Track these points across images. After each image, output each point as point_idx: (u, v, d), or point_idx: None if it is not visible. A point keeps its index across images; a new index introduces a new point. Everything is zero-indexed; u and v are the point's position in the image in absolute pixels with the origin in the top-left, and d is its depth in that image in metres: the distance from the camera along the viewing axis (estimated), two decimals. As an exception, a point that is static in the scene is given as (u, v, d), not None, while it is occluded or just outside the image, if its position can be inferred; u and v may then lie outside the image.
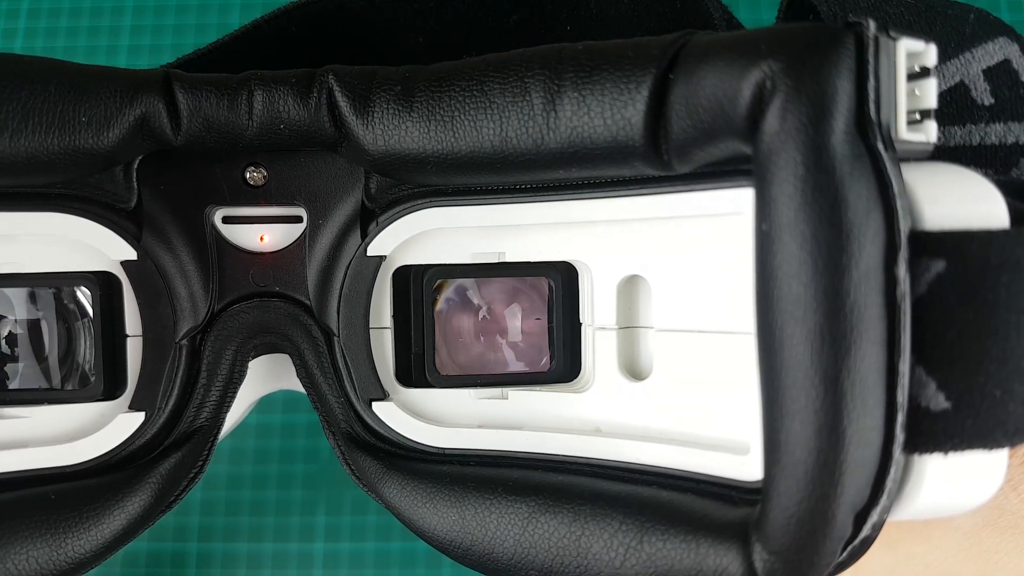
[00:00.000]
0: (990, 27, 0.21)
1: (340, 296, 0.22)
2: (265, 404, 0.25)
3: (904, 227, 0.16)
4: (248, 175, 0.22)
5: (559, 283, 0.22)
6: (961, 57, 0.20)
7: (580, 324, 0.22)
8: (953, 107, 0.20)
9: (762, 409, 0.16)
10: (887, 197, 0.16)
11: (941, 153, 0.18)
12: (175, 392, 0.22)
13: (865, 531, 0.16)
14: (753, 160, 0.16)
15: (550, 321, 0.23)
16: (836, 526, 0.16)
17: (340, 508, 0.42)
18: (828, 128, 0.15)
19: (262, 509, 0.42)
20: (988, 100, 0.20)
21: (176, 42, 0.47)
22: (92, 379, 0.22)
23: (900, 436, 0.16)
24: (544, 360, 0.23)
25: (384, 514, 0.22)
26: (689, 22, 0.23)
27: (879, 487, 0.16)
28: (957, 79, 0.20)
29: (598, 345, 0.22)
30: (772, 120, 0.15)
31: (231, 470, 0.42)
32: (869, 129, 0.16)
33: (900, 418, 0.16)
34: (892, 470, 0.16)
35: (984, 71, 0.21)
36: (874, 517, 0.16)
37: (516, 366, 0.23)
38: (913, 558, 0.22)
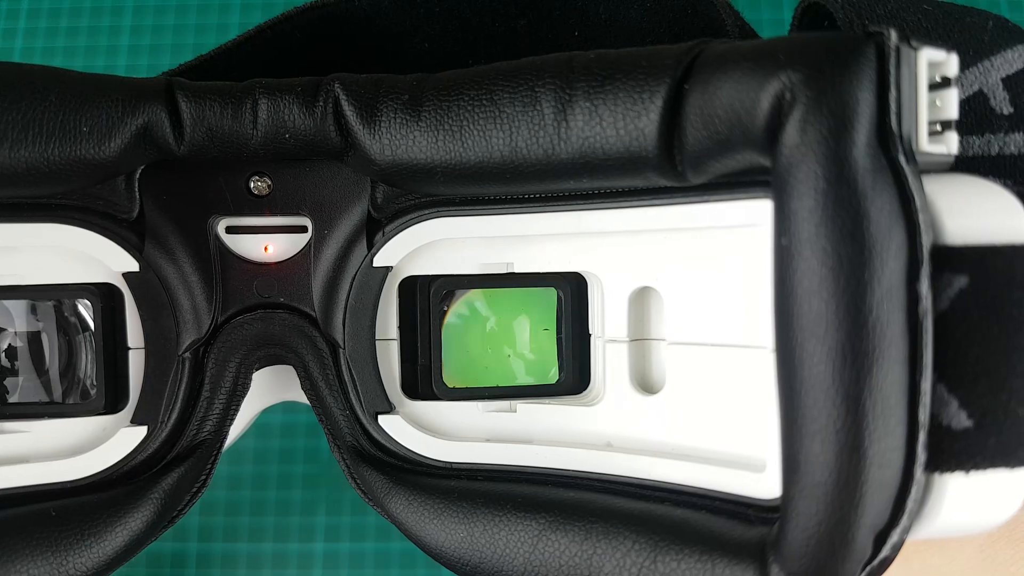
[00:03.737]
0: (1009, 35, 0.20)
1: (346, 307, 0.22)
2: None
3: (926, 242, 0.15)
4: (252, 185, 0.21)
5: (568, 294, 0.22)
6: (980, 65, 0.20)
7: (589, 336, 0.22)
8: (972, 116, 0.20)
9: (781, 428, 0.16)
10: (909, 211, 0.15)
11: (959, 163, 0.18)
12: (178, 405, 0.21)
13: (885, 552, 0.16)
14: (772, 173, 0.16)
15: (558, 333, 0.22)
16: (856, 548, 0.16)
17: (340, 508, 0.42)
18: (849, 141, 0.15)
19: (262, 509, 0.42)
20: (1007, 109, 0.20)
21: (176, 42, 0.47)
22: (93, 393, 0.22)
23: (922, 456, 0.16)
24: (552, 372, 0.22)
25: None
26: (700, 30, 0.23)
27: (900, 508, 0.16)
28: (976, 88, 0.20)
29: (609, 358, 0.22)
30: (792, 132, 0.15)
31: (231, 470, 0.42)
32: (891, 141, 0.15)
33: (922, 437, 0.15)
34: (913, 490, 0.16)
35: (1003, 79, 0.20)
36: (894, 538, 0.16)
37: (524, 378, 0.23)
38: (929, 572, 0.21)
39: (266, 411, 0.24)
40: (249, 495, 0.42)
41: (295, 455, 0.43)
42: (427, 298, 0.22)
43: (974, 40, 0.20)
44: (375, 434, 0.22)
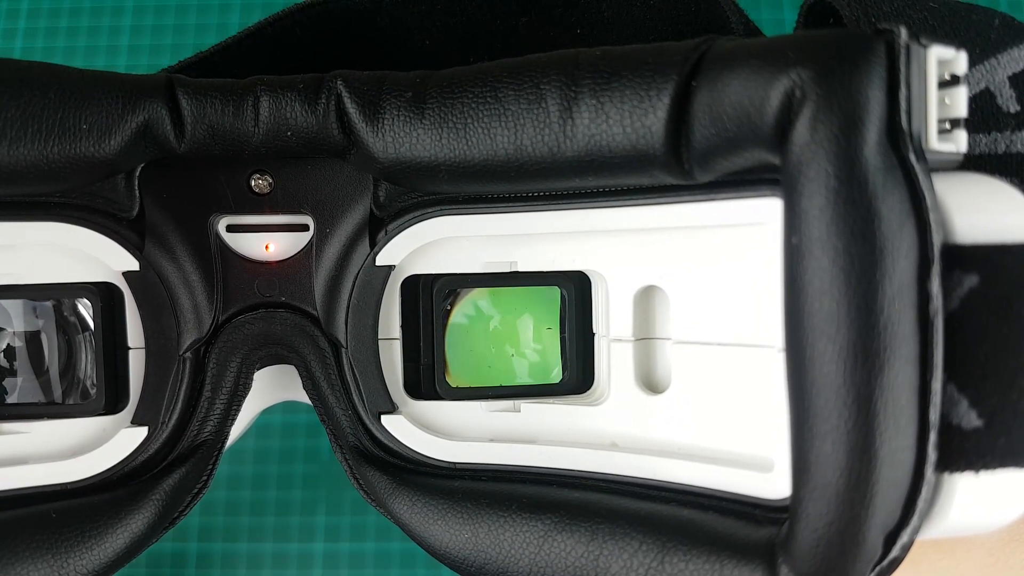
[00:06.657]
0: (1015, 33, 0.20)
1: (348, 306, 0.21)
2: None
3: (937, 241, 0.15)
4: (253, 182, 0.21)
5: (571, 293, 0.22)
6: (986, 63, 0.20)
7: (593, 335, 0.22)
8: (979, 114, 0.20)
9: (791, 428, 0.16)
10: (920, 210, 0.15)
11: (966, 161, 0.18)
12: (178, 406, 0.21)
13: (894, 552, 0.16)
14: (782, 171, 0.15)
15: (562, 332, 0.22)
16: (866, 548, 0.15)
17: (340, 508, 0.42)
18: (860, 139, 0.15)
19: (262, 509, 0.42)
20: (1014, 107, 0.20)
21: (176, 42, 0.47)
22: (93, 393, 0.21)
23: (932, 456, 0.15)
24: (556, 372, 0.22)
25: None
26: (704, 27, 0.23)
27: (910, 508, 0.16)
28: (982, 86, 0.20)
29: (614, 357, 0.21)
30: (802, 130, 0.15)
31: (231, 470, 0.42)
32: (901, 140, 0.15)
33: (932, 437, 0.15)
34: (923, 490, 0.16)
35: (1010, 78, 0.20)
36: (904, 538, 0.16)
37: (527, 378, 0.23)
38: (937, 574, 0.21)
39: (266, 411, 0.24)
40: (249, 495, 0.42)
41: (295, 455, 0.42)
42: (430, 297, 0.22)
43: (980, 38, 0.20)
44: (378, 434, 0.22)
